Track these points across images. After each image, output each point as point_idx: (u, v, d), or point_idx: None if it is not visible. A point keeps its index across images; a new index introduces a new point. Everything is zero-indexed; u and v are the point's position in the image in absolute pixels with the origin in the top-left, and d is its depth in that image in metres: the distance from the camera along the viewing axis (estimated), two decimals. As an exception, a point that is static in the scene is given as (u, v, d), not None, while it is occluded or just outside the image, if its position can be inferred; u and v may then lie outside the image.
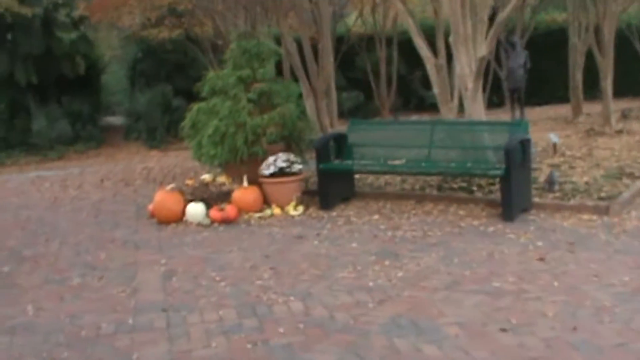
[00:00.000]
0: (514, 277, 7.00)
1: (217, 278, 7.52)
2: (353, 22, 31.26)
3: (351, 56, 30.65)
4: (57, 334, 6.21)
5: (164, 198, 10.33)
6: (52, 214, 11.63)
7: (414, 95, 32.44)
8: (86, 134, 31.15)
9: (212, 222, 10.05)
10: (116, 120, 36.64)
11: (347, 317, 6.16)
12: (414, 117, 30.21)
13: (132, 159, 27.49)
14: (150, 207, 10.62)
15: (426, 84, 31.81)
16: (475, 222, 9.24)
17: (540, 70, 21.97)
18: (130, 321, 6.41)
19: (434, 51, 12.63)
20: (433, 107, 30.90)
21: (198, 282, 7.42)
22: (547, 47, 26.94)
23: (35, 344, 6.03)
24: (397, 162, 10.28)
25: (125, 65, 34.75)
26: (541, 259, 7.55)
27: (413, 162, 10.24)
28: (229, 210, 10.08)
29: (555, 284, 6.76)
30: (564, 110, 22.81)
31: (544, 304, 6.23)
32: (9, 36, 31.43)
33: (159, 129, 29.91)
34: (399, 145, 10.57)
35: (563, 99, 26.10)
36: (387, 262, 7.70)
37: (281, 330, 5.97)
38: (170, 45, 29.84)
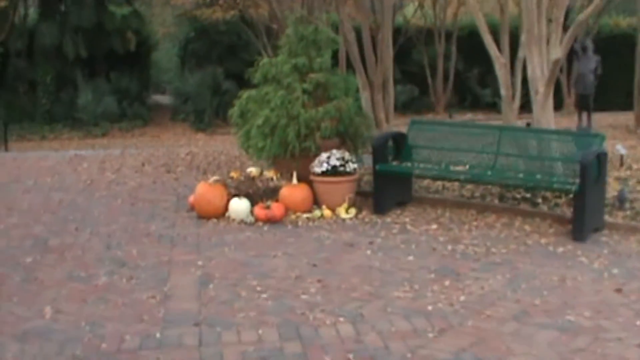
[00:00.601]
0: (590, 311, 6.15)
1: (259, 288, 6.75)
2: (412, 13, 30.41)
3: (408, 49, 29.84)
4: (74, 344, 5.48)
5: (206, 191, 9.58)
6: (85, 199, 10.95)
7: (470, 93, 31.59)
8: (132, 112, 30.67)
9: (256, 220, 9.28)
10: (164, 99, 36.20)
11: (403, 349, 5.35)
12: (469, 116, 29.44)
13: (177, 141, 26.94)
14: (191, 199, 9.88)
15: (482, 82, 31.24)
16: (543, 241, 8.37)
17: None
18: (158, 335, 5.65)
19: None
20: (489, 107, 30.40)
21: (237, 292, 6.65)
22: (609, 51, 25.84)
23: (48, 355, 5.30)
24: (460, 169, 9.46)
25: (177, 44, 34.27)
26: (618, 290, 6.69)
27: (477, 169, 9.40)
28: (275, 208, 9.31)
29: (638, 322, 5.91)
30: (623, 118, 21.80)
31: (626, 348, 5.39)
32: (62, 7, 31.08)
33: (207, 112, 29.37)
34: (461, 150, 9.73)
35: (623, 106, 25.17)
36: (447, 282, 6.88)
37: (328, 360, 5.20)
38: (224, 26, 29.29)
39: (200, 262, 7.59)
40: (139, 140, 27.42)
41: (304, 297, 6.50)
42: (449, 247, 8.08)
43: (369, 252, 7.95)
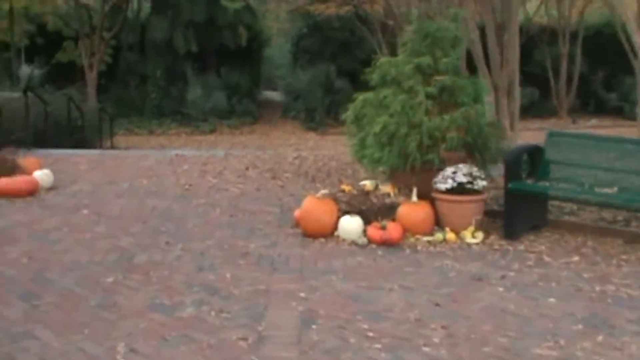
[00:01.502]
0: None
1: (371, 333, 5.60)
2: (534, 11, 28.83)
3: (529, 49, 28.30)
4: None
5: (313, 206, 8.47)
6: (181, 207, 9.97)
7: (594, 97, 29.98)
8: (242, 108, 29.99)
9: (370, 242, 8.11)
10: (275, 95, 35.40)
11: None
12: (593, 121, 27.86)
13: (287, 140, 26.06)
14: (297, 213, 8.80)
15: (608, 85, 29.60)
16: None
17: None
18: (246, 394, 4.60)
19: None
20: (614, 112, 28.75)
21: (344, 338, 5.52)
22: None
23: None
24: (607, 191, 8.15)
25: (289, 40, 33.53)
26: None
27: (629, 193, 8.07)
28: (392, 229, 8.15)
29: None
30: None
31: None
32: (174, 1, 30.55)
33: (318, 110, 28.51)
34: (608, 168, 8.41)
35: None
36: (599, 338, 5.59)
37: None
38: (337, 23, 28.39)
39: (303, 294, 6.50)
40: (247, 138, 26.67)
41: (425, 349, 5.32)
42: (597, 288, 6.77)
43: (501, 289, 6.72)
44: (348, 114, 9.75)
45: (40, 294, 6.46)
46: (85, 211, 9.68)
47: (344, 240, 8.23)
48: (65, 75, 28.57)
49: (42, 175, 11.00)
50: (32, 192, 10.55)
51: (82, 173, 12.54)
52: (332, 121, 27.80)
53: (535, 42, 28.49)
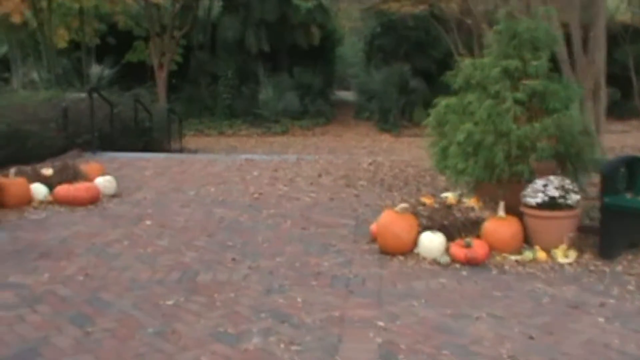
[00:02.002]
0: None
1: (459, 374, 4.98)
2: (616, 9, 27.77)
3: (610, 48, 27.30)
4: None
5: (392, 221, 7.81)
6: (250, 218, 9.40)
7: (678, 98, 28.79)
8: (315, 109, 29.50)
9: (453, 260, 7.44)
10: (348, 95, 34.80)
11: None
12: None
13: (360, 142, 25.44)
14: (374, 227, 8.16)
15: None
16: None
17: None
18: None
19: None
20: (697, 114, 27.65)
21: (430, 380, 4.90)
22: None
23: None
24: None
25: (362, 39, 32.95)
26: None
27: None
28: (478, 247, 7.46)
29: None
30: None
31: None
32: (245, 0, 30.12)
33: (393, 111, 27.91)
34: None
35: None
36: None
37: None
38: (412, 22, 27.71)
39: (381, 323, 5.86)
40: (320, 140, 26.12)
41: (522, 394, 4.68)
42: None
43: (601, 319, 5.99)
44: (429, 121, 9.08)
45: (94, 318, 5.93)
46: (148, 222, 9.17)
47: (424, 258, 7.56)
48: (136, 75, 28.40)
49: (104, 182, 10.53)
50: (94, 200, 10.09)
51: (147, 179, 12.08)
52: (407, 122, 27.19)
53: (617, 41, 27.44)
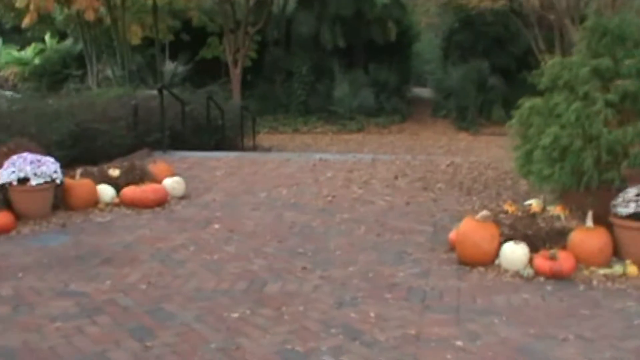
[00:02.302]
0: None
1: (546, 405, 4.52)
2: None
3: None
4: None
5: (472, 229, 7.34)
6: (322, 223, 9.01)
7: None
8: (390, 106, 29.05)
9: (536, 273, 6.94)
10: (424, 92, 34.24)
11: None
12: None
13: (437, 141, 24.91)
14: (452, 235, 7.70)
15: None
16: None
17: None
18: None
19: None
20: None
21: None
22: None
23: None
24: None
25: (439, 35, 32.35)
26: None
27: None
28: (564, 260, 6.93)
29: None
30: None
31: None
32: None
33: (470, 109, 27.33)
34: None
35: None
36: None
37: None
38: (491, 17, 27.04)
39: (459, 342, 5.42)
40: (396, 138, 25.66)
41: None
42: None
43: (702, 343, 5.50)
44: (512, 123, 8.58)
45: (155, 331, 5.61)
46: (216, 226, 8.84)
47: (506, 270, 7.07)
48: (209, 71, 28.25)
49: (172, 184, 10.24)
50: (161, 202, 9.80)
51: (218, 180, 11.77)
52: (485, 120, 26.56)
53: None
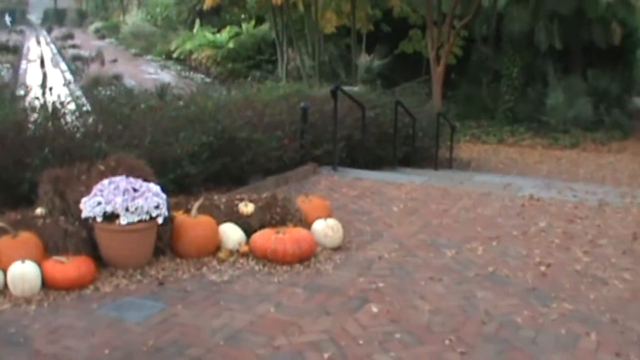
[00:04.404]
0: None
1: None
2: None
3: None
4: None
5: None
6: (531, 318, 5.86)
7: None
8: (611, 119, 25.36)
9: None
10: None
11: None
12: None
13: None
14: None
15: None
16: None
17: None
18: None
19: None
20: None
21: None
22: None
23: None
24: None
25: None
26: None
27: None
28: None
29: None
30: None
31: None
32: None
33: None
34: None
35: None
36: None
37: None
38: None
39: None
40: (615, 159, 21.98)
41: None
42: None
43: None
44: None
45: None
46: (374, 309, 5.92)
47: None
48: (408, 67, 25.78)
49: (325, 230, 7.37)
50: (305, 256, 6.96)
51: (393, 220, 8.78)
52: None
53: None
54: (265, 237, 6.94)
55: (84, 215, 6.54)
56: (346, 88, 13.79)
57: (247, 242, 7.11)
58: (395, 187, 10.59)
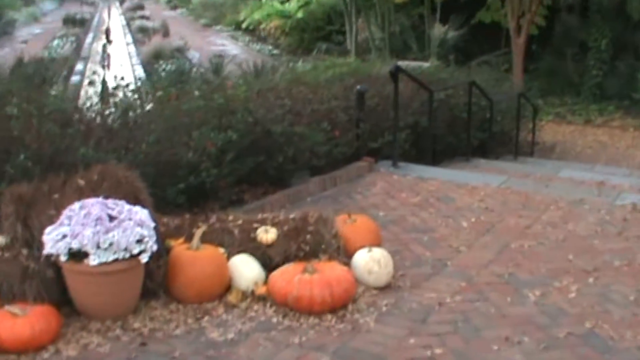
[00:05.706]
0: None
1: None
2: None
3: None
4: None
5: None
6: None
7: None
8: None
9: None
10: None
11: None
12: None
13: None
14: None
15: None
16: None
17: None
18: None
19: None
20: None
21: None
22: None
23: None
24: None
25: None
26: None
27: None
28: None
29: None
30: None
31: None
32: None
33: None
34: None
35: None
36: None
37: None
38: None
39: None
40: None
41: None
42: None
43: None
44: None
45: None
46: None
47: None
48: (486, 39, 23.91)
49: (368, 263, 5.58)
50: (341, 302, 5.21)
51: (461, 241, 6.91)
52: None
53: None
54: (286, 278, 5.23)
55: (45, 251, 4.96)
56: (416, 64, 12.01)
57: (266, 281, 5.42)
58: (466, 191, 8.73)
